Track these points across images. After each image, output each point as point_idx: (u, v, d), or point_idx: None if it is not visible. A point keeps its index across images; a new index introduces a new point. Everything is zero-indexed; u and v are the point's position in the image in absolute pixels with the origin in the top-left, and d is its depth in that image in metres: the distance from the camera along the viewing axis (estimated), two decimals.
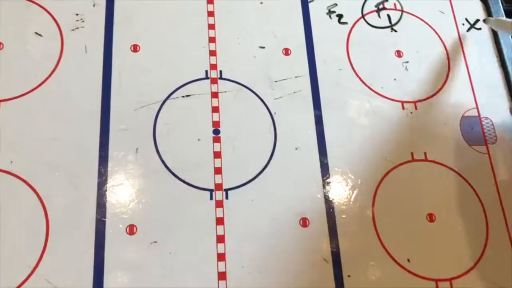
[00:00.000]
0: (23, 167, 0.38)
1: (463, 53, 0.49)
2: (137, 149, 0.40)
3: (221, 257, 0.38)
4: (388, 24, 0.49)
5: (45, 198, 0.38)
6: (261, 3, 0.47)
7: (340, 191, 0.42)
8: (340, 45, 0.47)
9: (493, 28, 0.49)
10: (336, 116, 0.44)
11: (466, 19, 0.51)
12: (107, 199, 0.38)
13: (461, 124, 0.46)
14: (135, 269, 0.37)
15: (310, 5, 0.48)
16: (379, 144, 0.44)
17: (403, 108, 0.46)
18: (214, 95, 0.43)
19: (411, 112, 0.46)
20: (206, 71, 0.44)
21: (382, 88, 0.46)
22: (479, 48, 0.50)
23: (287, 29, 0.47)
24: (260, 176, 0.41)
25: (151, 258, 0.37)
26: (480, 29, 0.51)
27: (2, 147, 0.38)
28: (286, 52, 0.46)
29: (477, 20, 0.51)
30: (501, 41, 0.50)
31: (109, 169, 0.39)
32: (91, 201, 0.38)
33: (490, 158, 0.45)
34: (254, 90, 0.44)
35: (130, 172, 0.39)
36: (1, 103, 0.40)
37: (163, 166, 0.40)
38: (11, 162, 0.38)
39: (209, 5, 0.46)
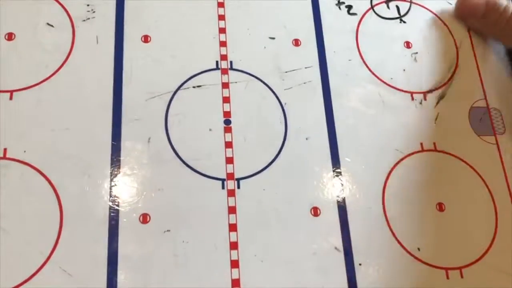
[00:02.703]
0: (36, 156, 0.39)
1: (472, 44, 0.50)
2: (149, 138, 0.40)
3: (233, 245, 0.38)
4: (397, 15, 0.49)
5: (59, 187, 0.38)
6: None
7: (351, 180, 0.42)
8: (349, 36, 0.48)
9: None
10: (346, 107, 0.45)
11: None
12: (120, 188, 0.39)
13: (470, 115, 0.46)
14: (148, 257, 0.37)
15: None
16: (389, 135, 0.44)
17: (412, 98, 0.46)
18: (225, 85, 0.43)
19: (420, 103, 0.46)
20: (217, 62, 0.44)
21: (392, 79, 0.46)
22: (487, 39, 0.50)
23: (296, 20, 0.47)
24: (271, 166, 0.41)
25: (164, 246, 0.37)
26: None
27: (15, 137, 0.39)
28: (296, 42, 0.46)
29: None
30: None
31: (121, 158, 0.39)
32: (104, 190, 0.38)
33: (498, 149, 0.46)
34: (264, 81, 0.44)
35: (142, 162, 0.40)
36: (14, 93, 0.40)
37: (175, 155, 0.40)
38: (25, 151, 0.38)
39: None
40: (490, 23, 0.47)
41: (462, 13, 0.49)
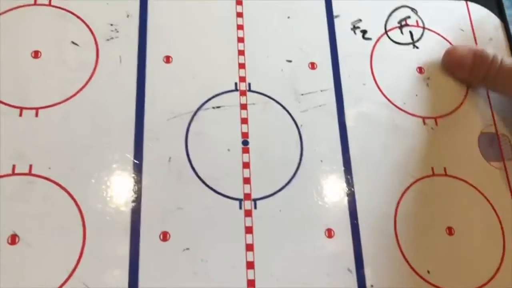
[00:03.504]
0: (60, 173, 0.40)
1: None
2: (170, 158, 0.42)
3: (250, 265, 0.39)
4: (410, 41, 0.51)
5: (82, 204, 0.39)
6: (288, 17, 0.49)
7: (364, 203, 0.43)
8: (364, 60, 0.49)
9: None
10: (360, 130, 0.46)
11: (485, 38, 0.52)
12: (141, 206, 0.40)
13: (479, 140, 0.48)
14: (168, 274, 0.38)
15: (336, 20, 0.50)
16: (401, 159, 0.45)
17: (424, 123, 0.47)
18: (243, 106, 0.45)
19: (431, 128, 0.47)
20: (236, 83, 0.45)
21: (404, 103, 0.48)
22: None
23: (313, 44, 0.48)
24: (287, 187, 0.43)
25: (184, 264, 0.39)
26: (498, 47, 0.52)
27: (41, 153, 0.40)
28: (312, 66, 0.47)
29: (495, 39, 0.53)
30: None
31: (143, 176, 0.41)
32: (126, 208, 0.39)
33: (507, 174, 0.47)
34: (281, 103, 0.45)
35: (163, 181, 0.41)
36: (39, 110, 0.41)
37: (194, 175, 0.41)
38: (49, 168, 0.40)
39: (238, 19, 0.48)
40: (480, 75, 0.46)
41: (449, 66, 0.48)
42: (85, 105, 0.42)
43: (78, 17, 0.45)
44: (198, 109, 0.44)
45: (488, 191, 0.46)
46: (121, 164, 0.41)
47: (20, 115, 0.41)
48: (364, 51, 0.49)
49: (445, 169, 0.46)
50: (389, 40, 0.50)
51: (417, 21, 0.52)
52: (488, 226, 0.45)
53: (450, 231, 0.44)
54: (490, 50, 0.46)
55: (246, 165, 0.43)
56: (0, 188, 0.38)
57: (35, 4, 0.45)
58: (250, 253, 0.40)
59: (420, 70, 0.49)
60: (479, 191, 0.46)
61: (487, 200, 0.45)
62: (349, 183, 0.44)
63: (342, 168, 0.44)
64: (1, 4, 0.44)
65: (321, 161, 0.44)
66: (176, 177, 0.41)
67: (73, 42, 0.44)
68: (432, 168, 0.46)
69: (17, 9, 0.44)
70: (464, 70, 0.47)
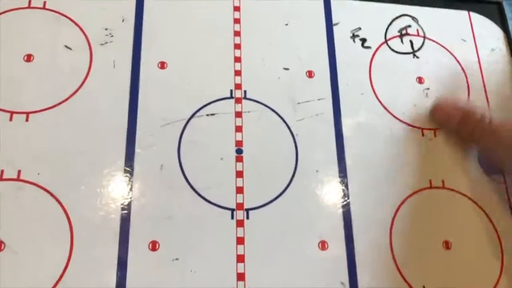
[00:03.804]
0: (49, 179, 0.39)
1: (483, 82, 0.50)
2: (161, 165, 0.41)
3: (240, 276, 0.39)
4: (411, 50, 0.50)
5: (70, 210, 0.38)
6: (286, 24, 0.48)
7: (359, 215, 0.42)
8: (363, 69, 0.48)
9: None
10: (356, 140, 0.45)
11: (487, 48, 0.51)
12: (131, 214, 0.39)
13: (479, 153, 0.47)
14: (157, 285, 0.37)
15: (335, 28, 0.49)
16: (398, 170, 0.45)
17: (422, 134, 0.46)
18: (238, 114, 0.44)
19: (430, 140, 0.46)
20: (231, 91, 0.45)
21: (403, 113, 0.47)
22: (499, 77, 0.51)
23: (311, 52, 0.48)
24: (281, 197, 0.42)
25: (173, 275, 0.38)
26: (500, 58, 0.51)
27: (30, 159, 0.39)
28: (310, 74, 0.47)
29: (497, 49, 0.52)
30: None
31: (134, 184, 0.40)
32: (115, 215, 0.39)
33: (507, 188, 0.46)
34: (277, 111, 0.45)
35: (154, 188, 0.40)
36: (30, 115, 0.41)
37: (186, 183, 0.41)
38: (38, 174, 0.39)
39: (235, 25, 0.47)
40: (465, 131, 0.45)
41: (437, 120, 0.47)
42: (77, 110, 0.41)
43: (72, 20, 0.44)
44: (192, 116, 0.43)
45: (487, 205, 0.45)
46: (112, 170, 0.40)
47: (11, 119, 0.40)
48: (363, 59, 0.49)
49: (443, 181, 0.45)
50: (389, 49, 0.50)
51: (417, 30, 0.51)
52: (486, 241, 0.44)
53: (447, 245, 0.43)
54: (479, 110, 0.44)
55: (239, 174, 0.42)
56: None
57: (29, 7, 0.44)
58: (241, 265, 0.39)
59: (420, 80, 0.49)
60: (477, 204, 0.45)
61: (486, 214, 0.44)
62: (345, 194, 0.43)
63: (338, 179, 0.43)
64: None
65: (317, 171, 0.43)
66: (167, 185, 0.40)
67: (66, 46, 0.43)
68: (430, 181, 0.45)
69: (11, 11, 0.44)
70: (451, 126, 0.46)
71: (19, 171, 0.39)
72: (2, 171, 0.38)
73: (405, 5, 0.52)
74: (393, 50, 0.49)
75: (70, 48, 0.43)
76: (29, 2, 0.44)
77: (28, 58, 0.42)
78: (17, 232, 0.37)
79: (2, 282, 0.35)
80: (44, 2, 0.44)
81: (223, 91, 0.44)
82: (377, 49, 0.49)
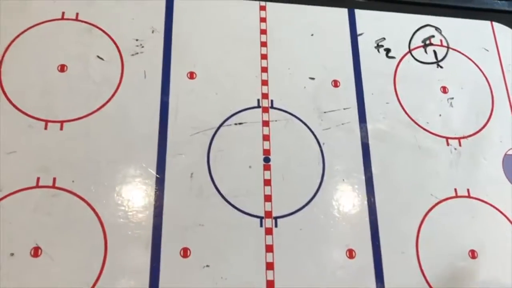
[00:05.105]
0: (83, 186, 0.40)
1: (507, 91, 0.50)
2: (191, 174, 0.42)
3: (270, 284, 0.39)
4: (434, 60, 0.50)
5: (104, 217, 0.39)
6: (312, 35, 0.49)
7: (385, 224, 0.43)
8: (387, 79, 0.49)
9: None
10: (382, 149, 0.45)
11: (510, 57, 0.52)
12: (162, 221, 0.40)
13: (504, 162, 0.47)
14: None
15: (359, 38, 0.50)
16: (424, 179, 0.45)
17: (447, 144, 0.47)
18: (265, 123, 0.45)
19: (455, 149, 0.47)
20: (258, 100, 0.45)
21: (428, 123, 0.47)
22: None
23: (336, 61, 0.48)
24: (308, 206, 0.42)
25: (204, 281, 0.38)
26: None
27: (65, 166, 0.40)
28: (335, 83, 0.47)
29: None
30: None
31: (165, 192, 0.41)
32: (147, 223, 0.40)
33: None
34: (303, 120, 0.45)
35: (184, 196, 0.41)
36: (64, 123, 0.42)
37: (216, 191, 0.41)
38: (73, 181, 0.40)
39: (262, 36, 0.48)
40: None
41: None
42: (109, 119, 0.42)
43: (104, 31, 0.46)
44: (221, 125, 0.44)
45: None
46: (144, 178, 0.41)
47: (46, 128, 0.41)
48: (387, 69, 0.49)
49: (468, 190, 0.45)
50: (413, 59, 0.50)
51: (441, 41, 0.51)
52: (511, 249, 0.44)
53: (473, 254, 0.43)
54: None
55: (267, 182, 0.43)
56: (24, 201, 0.38)
57: (62, 18, 0.45)
58: (270, 272, 0.40)
59: (444, 89, 0.49)
60: (503, 213, 0.45)
61: (511, 222, 0.45)
62: (371, 202, 0.43)
63: (364, 188, 0.44)
64: (29, 19, 0.44)
65: (343, 180, 0.44)
66: (197, 193, 0.41)
67: (98, 57, 0.44)
68: (455, 190, 0.45)
69: (45, 23, 0.45)
70: None
71: (54, 179, 0.40)
72: (38, 178, 0.39)
73: (428, 15, 0.52)
74: (417, 60, 0.50)
75: (102, 59, 0.44)
76: (62, 14, 0.45)
77: (62, 68, 0.43)
78: (53, 238, 0.38)
79: (38, 287, 0.36)
80: (77, 14, 0.45)
81: (250, 101, 0.45)
82: (401, 59, 0.50)
